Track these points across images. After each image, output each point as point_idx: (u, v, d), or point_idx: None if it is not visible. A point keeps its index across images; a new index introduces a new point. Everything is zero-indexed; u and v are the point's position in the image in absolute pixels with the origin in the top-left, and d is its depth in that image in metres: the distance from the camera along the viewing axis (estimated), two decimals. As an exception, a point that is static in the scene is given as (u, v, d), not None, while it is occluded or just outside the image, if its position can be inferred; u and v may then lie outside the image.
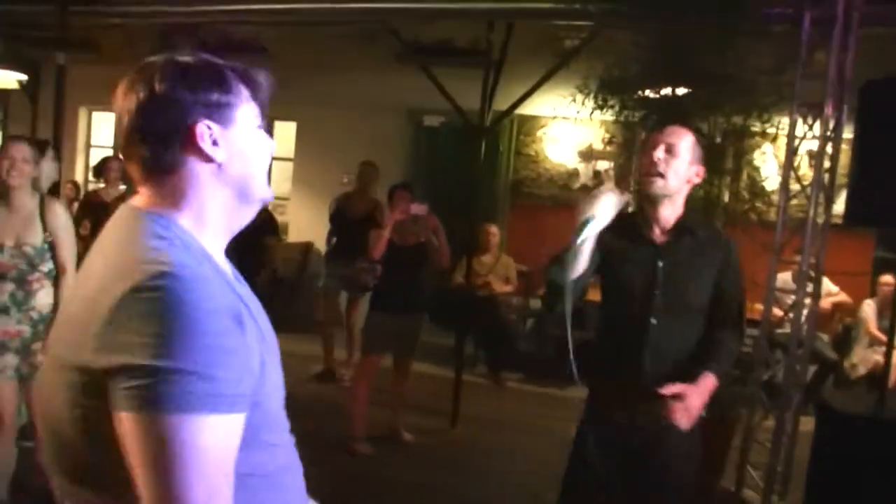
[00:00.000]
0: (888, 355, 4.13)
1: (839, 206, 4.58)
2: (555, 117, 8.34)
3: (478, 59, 5.91)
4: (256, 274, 6.17)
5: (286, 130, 9.58)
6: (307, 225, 7.57)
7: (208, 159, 1.26)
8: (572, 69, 5.67)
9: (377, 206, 6.52)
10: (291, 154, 9.49)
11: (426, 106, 8.46)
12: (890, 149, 3.75)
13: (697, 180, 2.61)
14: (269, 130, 9.87)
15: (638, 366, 2.57)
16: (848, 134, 4.40)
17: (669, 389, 2.41)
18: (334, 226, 6.73)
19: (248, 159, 1.32)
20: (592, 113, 5.69)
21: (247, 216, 1.37)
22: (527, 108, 7.41)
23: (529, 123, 8.57)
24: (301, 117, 9.31)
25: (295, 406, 5.34)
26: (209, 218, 1.29)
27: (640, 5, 4.84)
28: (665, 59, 4.85)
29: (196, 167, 1.26)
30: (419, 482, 4.69)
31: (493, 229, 7.66)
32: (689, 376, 2.48)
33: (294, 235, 8.89)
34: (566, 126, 8.35)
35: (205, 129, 1.24)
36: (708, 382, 2.49)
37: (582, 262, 2.38)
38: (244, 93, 1.31)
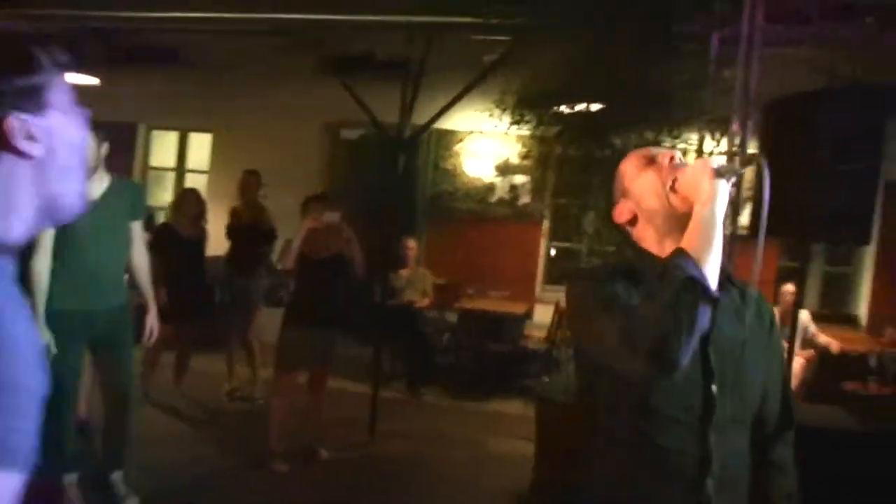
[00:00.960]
0: (789, 363, 4.31)
1: (745, 217, 4.78)
2: (472, 132, 8.45)
3: (397, 71, 5.93)
4: (195, 290, 6.14)
5: (201, 142, 9.41)
6: (223, 238, 7.42)
7: (24, 155, 1.03)
8: (490, 84, 5.75)
9: (264, 212, 6.51)
10: (206, 166, 9.33)
11: (345, 118, 8.44)
12: (791, 162, 3.94)
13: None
14: (183, 142, 9.70)
15: None
16: (752, 149, 4.59)
17: None
18: (230, 238, 6.68)
19: (68, 152, 1.11)
20: (510, 127, 5.79)
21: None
22: (445, 123, 7.48)
23: (448, 137, 8.65)
24: (217, 129, 9.18)
25: (210, 425, 5.29)
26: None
27: (557, 23, 4.95)
28: (580, 75, 4.98)
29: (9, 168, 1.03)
30: (337, 498, 4.64)
31: (411, 243, 7.69)
32: None
33: (211, 250, 8.70)
34: (484, 140, 8.46)
35: (15, 123, 1.01)
36: None
37: None
38: (54, 69, 1.08)
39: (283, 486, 4.74)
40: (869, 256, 8.05)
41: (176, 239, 6.01)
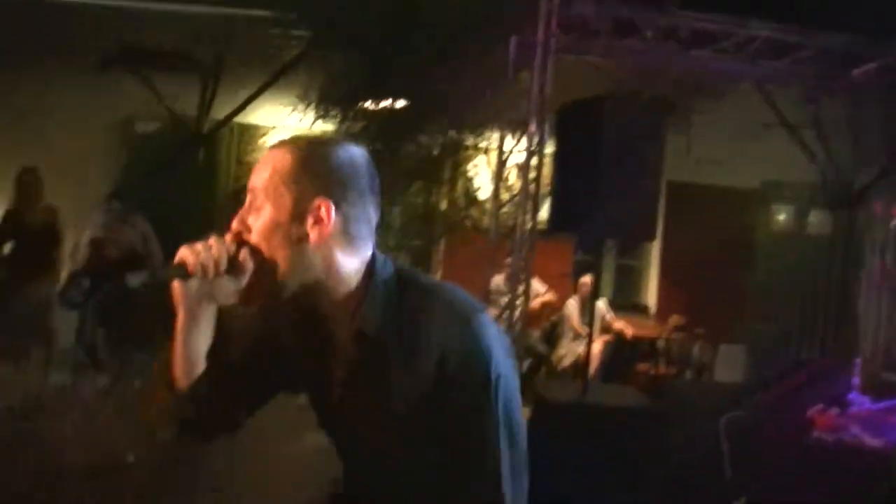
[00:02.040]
0: (589, 347, 4.58)
1: (544, 213, 5.01)
2: (276, 126, 8.28)
3: (193, 65, 5.70)
4: None
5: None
6: None
7: None
8: (293, 79, 5.66)
9: (53, 213, 6.03)
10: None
11: (140, 111, 8.00)
12: (584, 162, 4.18)
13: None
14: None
15: None
16: (551, 147, 4.82)
17: None
18: (3, 242, 6.08)
19: None
20: (314, 122, 5.73)
21: None
22: (248, 117, 7.28)
23: (251, 132, 8.40)
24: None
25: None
26: None
27: (353, 27, 4.95)
28: (381, 74, 5.01)
29: None
30: None
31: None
32: None
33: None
34: (287, 135, 8.31)
35: None
36: None
37: None
38: None
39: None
40: (655, 251, 8.68)
41: None
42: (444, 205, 5.59)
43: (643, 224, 4.12)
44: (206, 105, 5.63)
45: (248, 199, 1.35)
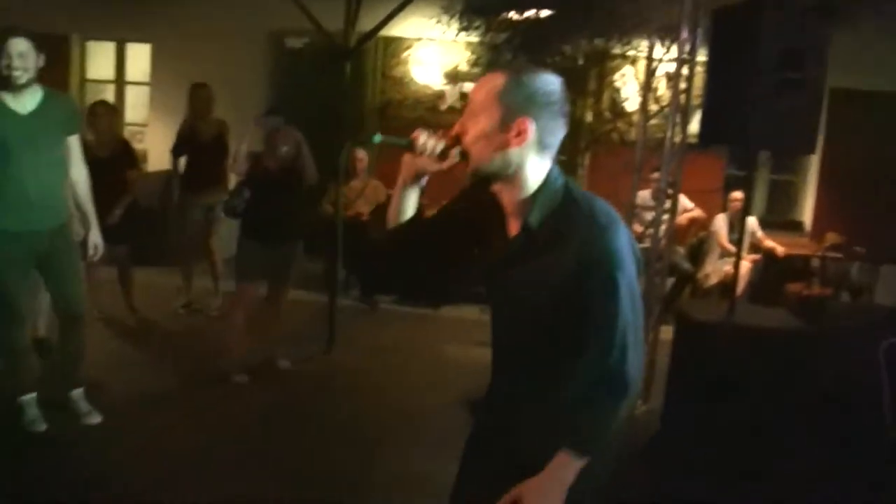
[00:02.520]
0: (737, 266, 4.43)
1: (695, 126, 4.80)
2: (420, 38, 8.28)
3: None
4: (115, 206, 5.78)
5: (140, 53, 9.07)
6: (167, 152, 7.24)
7: None
8: (437, -11, 5.61)
9: (223, 126, 6.33)
10: (147, 78, 9.02)
11: (289, 27, 8.19)
12: (739, 71, 3.95)
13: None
14: (121, 53, 9.32)
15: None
16: (703, 56, 4.58)
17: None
18: (183, 152, 6.45)
19: None
20: (458, 34, 5.68)
21: None
22: (392, 30, 7.30)
23: (395, 45, 8.46)
24: (157, 39, 8.84)
25: (164, 340, 5.26)
26: None
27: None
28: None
29: None
30: (298, 409, 4.71)
31: (361, 154, 7.58)
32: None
33: (154, 164, 8.51)
34: (432, 47, 8.30)
35: None
36: (559, 468, 1.67)
37: None
38: None
39: (242, 399, 4.78)
40: (813, 165, 8.19)
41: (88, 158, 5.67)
42: (589, 117, 5.45)
43: (802, 136, 3.88)
44: (351, 19, 5.66)
45: (468, 107, 1.77)
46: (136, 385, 4.83)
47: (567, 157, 5.57)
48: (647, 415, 4.88)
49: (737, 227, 6.55)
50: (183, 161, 6.53)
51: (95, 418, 4.15)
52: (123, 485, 3.59)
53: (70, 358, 4.15)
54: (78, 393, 4.18)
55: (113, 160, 5.63)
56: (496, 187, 1.77)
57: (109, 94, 9.13)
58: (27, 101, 3.72)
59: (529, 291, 1.73)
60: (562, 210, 1.69)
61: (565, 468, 1.66)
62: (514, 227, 1.76)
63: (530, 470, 1.67)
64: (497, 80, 1.71)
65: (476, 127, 1.72)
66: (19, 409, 3.99)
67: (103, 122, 5.70)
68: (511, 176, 1.71)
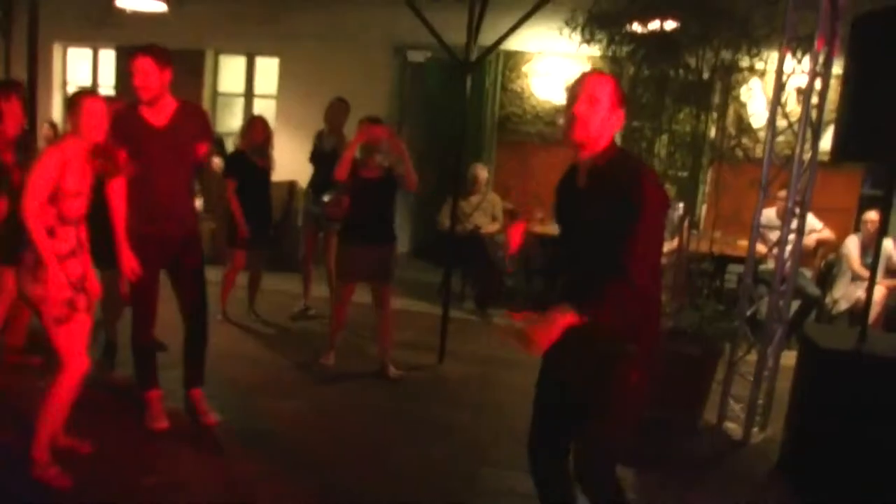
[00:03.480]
0: (870, 291, 4.18)
1: (825, 142, 4.58)
2: (541, 52, 8.25)
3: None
4: (263, 218, 6.30)
5: (269, 66, 9.42)
6: (291, 163, 7.47)
7: None
8: (559, 3, 5.56)
9: (344, 140, 6.52)
10: (274, 91, 9.35)
11: (411, 41, 8.33)
12: (879, 85, 3.73)
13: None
14: (251, 66, 9.70)
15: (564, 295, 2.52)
16: (836, 69, 4.37)
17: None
18: (312, 163, 6.72)
19: None
20: (580, 47, 5.61)
21: None
22: (512, 44, 7.31)
23: (515, 58, 8.47)
24: (284, 53, 9.16)
25: (283, 342, 5.38)
26: None
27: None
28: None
29: None
30: (407, 414, 4.74)
31: (481, 170, 7.62)
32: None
33: (279, 174, 8.77)
34: (553, 61, 8.26)
35: None
36: (560, 315, 2.34)
37: None
38: None
39: (355, 400, 4.86)
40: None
41: (248, 167, 6.11)
42: (713, 132, 5.28)
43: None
44: (473, 32, 5.69)
45: (588, 93, 2.49)
46: (255, 385, 4.99)
47: (689, 173, 5.40)
48: (765, 443, 4.68)
49: (871, 249, 6.20)
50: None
51: (214, 416, 4.30)
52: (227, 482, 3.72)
53: (194, 359, 4.32)
54: (199, 393, 4.35)
55: (266, 170, 6.30)
56: (583, 152, 2.55)
57: (239, 106, 9.52)
58: (160, 114, 3.92)
59: (595, 218, 2.50)
60: (619, 162, 2.52)
61: (564, 314, 2.34)
62: (583, 180, 2.58)
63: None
64: (611, 82, 2.55)
65: (600, 108, 2.49)
66: (145, 405, 4.19)
67: (258, 134, 6.24)
68: (599, 142, 2.52)
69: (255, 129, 6.26)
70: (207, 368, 4.40)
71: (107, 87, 9.66)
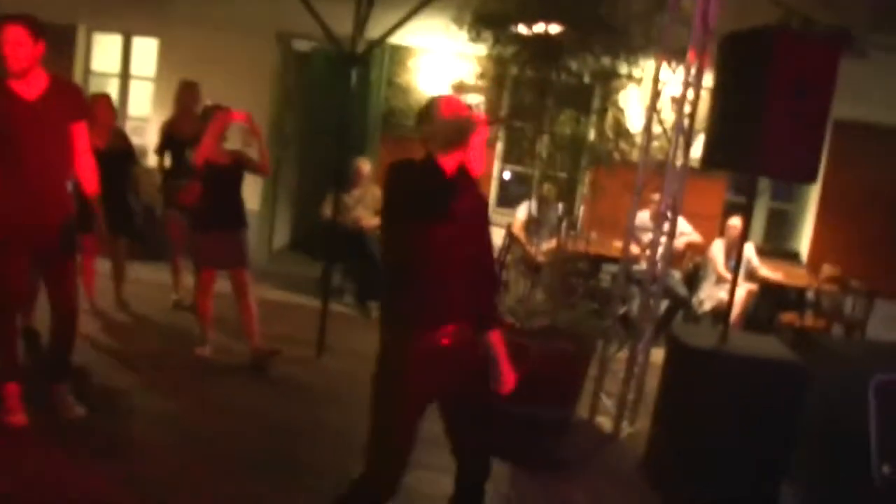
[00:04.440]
0: (732, 293, 4.41)
1: (696, 149, 4.80)
2: (427, 49, 8.28)
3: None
4: (122, 204, 5.92)
5: (147, 47, 9.06)
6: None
7: None
8: (447, 1, 5.60)
9: (202, 126, 6.34)
10: (152, 73, 9.01)
11: (297, 30, 8.19)
12: (741, 99, 3.95)
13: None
14: (127, 46, 9.28)
15: None
16: (708, 81, 4.58)
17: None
18: (165, 150, 6.48)
19: None
20: (466, 46, 5.67)
21: None
22: (401, 38, 7.30)
23: (402, 53, 8.46)
24: (164, 33, 8.83)
25: (154, 335, 5.19)
26: None
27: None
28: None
29: None
30: (286, 413, 4.67)
31: (364, 162, 7.58)
32: None
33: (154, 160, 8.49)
34: (439, 58, 8.30)
35: None
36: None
37: None
38: None
39: (230, 400, 4.75)
40: (813, 194, 8.19)
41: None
42: (591, 135, 5.44)
43: (804, 165, 3.88)
44: (360, 25, 5.65)
45: None
46: (120, 378, 4.81)
47: (567, 175, 5.54)
48: (634, 437, 4.86)
49: (734, 253, 6.54)
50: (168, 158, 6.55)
51: (80, 411, 4.11)
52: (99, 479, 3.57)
53: (61, 351, 4.11)
54: (63, 388, 4.14)
55: (112, 154, 5.70)
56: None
57: (113, 88, 9.11)
58: (30, 89, 3.71)
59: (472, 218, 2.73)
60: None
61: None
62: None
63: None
64: None
65: None
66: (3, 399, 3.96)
67: (104, 114, 5.74)
68: None
69: (98, 108, 5.69)
70: (75, 362, 4.20)
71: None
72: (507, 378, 2.71)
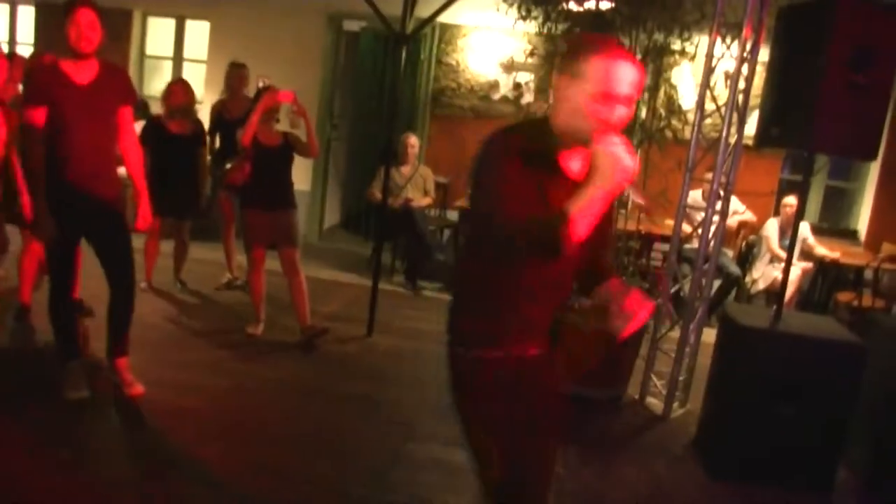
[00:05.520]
0: (787, 272, 4.33)
1: (750, 127, 4.71)
2: (477, 27, 8.25)
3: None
4: (192, 186, 6.08)
5: (199, 30, 9.18)
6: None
7: None
8: (497, -22, 5.57)
9: (252, 107, 6.40)
10: (204, 56, 9.13)
11: (346, 10, 8.22)
12: (799, 74, 3.85)
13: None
14: (181, 30, 9.44)
15: None
16: (764, 56, 4.48)
17: None
18: (216, 132, 6.57)
19: None
20: (516, 23, 5.63)
21: None
22: (450, 17, 7.29)
23: (451, 32, 8.43)
24: (215, 16, 8.93)
25: (209, 313, 5.30)
26: None
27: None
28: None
29: None
30: (338, 389, 4.74)
31: (413, 140, 7.58)
32: None
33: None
34: (488, 36, 8.26)
35: None
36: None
37: None
38: None
39: (284, 375, 4.83)
40: (873, 172, 7.98)
41: (162, 134, 5.89)
42: (643, 113, 5.37)
43: (864, 142, 3.77)
44: (409, 4, 5.65)
45: (635, 84, 1.98)
46: (176, 355, 4.92)
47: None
48: (684, 417, 4.83)
49: (788, 233, 6.42)
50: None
51: (138, 387, 4.22)
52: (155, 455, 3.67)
53: (119, 328, 4.21)
54: (124, 362, 4.26)
55: (186, 137, 5.99)
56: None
57: (167, 71, 9.26)
58: (82, 74, 3.80)
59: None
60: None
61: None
62: (578, 167, 2.11)
63: None
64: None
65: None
66: (65, 374, 4.09)
67: (178, 100, 5.97)
68: None
69: (175, 94, 5.99)
70: (133, 339, 4.31)
71: (26, 44, 9.31)
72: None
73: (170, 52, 9.32)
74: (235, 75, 6.66)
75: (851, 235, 8.10)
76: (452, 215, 8.18)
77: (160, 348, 4.98)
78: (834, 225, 8.28)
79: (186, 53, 9.30)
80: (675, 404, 4.91)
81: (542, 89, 8.13)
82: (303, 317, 5.37)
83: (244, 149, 5.11)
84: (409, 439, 4.11)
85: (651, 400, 5.02)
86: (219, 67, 8.81)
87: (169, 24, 9.30)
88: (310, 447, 3.91)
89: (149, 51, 9.39)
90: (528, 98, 8.29)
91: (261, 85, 6.01)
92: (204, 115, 6.68)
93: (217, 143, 6.63)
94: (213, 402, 4.33)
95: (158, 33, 9.41)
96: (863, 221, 8.13)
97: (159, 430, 3.92)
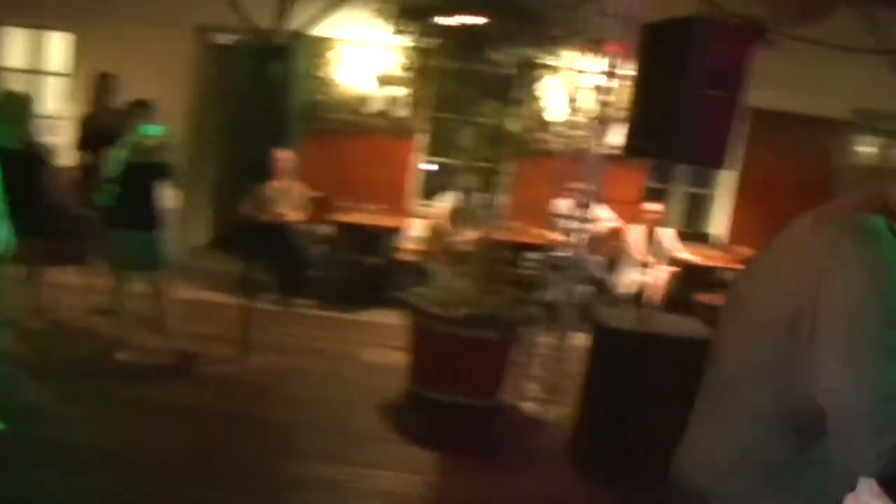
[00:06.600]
0: (648, 276, 4.54)
1: (617, 138, 4.91)
2: (351, 40, 8.25)
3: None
4: (34, 205, 5.64)
5: (62, 43, 8.78)
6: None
7: None
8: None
9: (114, 118, 6.18)
10: (68, 69, 8.73)
11: (217, 23, 8.06)
12: (660, 88, 4.07)
13: None
14: (39, 41, 8.95)
15: None
16: (630, 70, 4.69)
17: None
18: (86, 146, 6.29)
19: None
20: (390, 37, 5.68)
21: None
22: (323, 30, 7.26)
23: (325, 45, 8.40)
24: (79, 29, 8.57)
25: (74, 339, 5.07)
26: None
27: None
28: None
29: None
30: (215, 410, 4.62)
31: (285, 155, 7.48)
32: None
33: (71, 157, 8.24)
34: (363, 50, 8.28)
35: None
36: None
37: None
38: None
39: (160, 397, 4.66)
40: (730, 180, 8.46)
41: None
42: (514, 125, 5.52)
43: (713, 153, 4.02)
44: (282, 16, 5.61)
45: None
46: (39, 388, 4.67)
47: (491, 165, 5.61)
48: (558, 421, 4.95)
49: (651, 238, 6.73)
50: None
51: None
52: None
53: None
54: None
55: (24, 155, 5.41)
56: None
57: (23, 85, 8.81)
58: None
59: None
60: None
61: None
62: None
63: None
64: None
65: None
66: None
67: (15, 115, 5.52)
68: None
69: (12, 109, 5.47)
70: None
71: None
72: None
73: (29, 64, 8.88)
74: (105, 86, 6.36)
75: (711, 239, 8.56)
76: (325, 229, 8.12)
77: (21, 382, 4.70)
78: (696, 229, 8.72)
79: (46, 66, 8.88)
80: (550, 408, 5.03)
81: (415, 104, 8.20)
82: (172, 340, 5.21)
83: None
84: (295, 459, 4.05)
85: (526, 404, 5.13)
86: (83, 82, 8.47)
87: (26, 35, 8.86)
88: (196, 474, 3.79)
89: (5, 62, 8.91)
90: (402, 113, 8.35)
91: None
92: (66, 130, 6.36)
93: (86, 159, 6.32)
94: (86, 434, 4.11)
95: (14, 44, 8.94)
96: (722, 226, 8.61)
97: (23, 468, 3.71)
